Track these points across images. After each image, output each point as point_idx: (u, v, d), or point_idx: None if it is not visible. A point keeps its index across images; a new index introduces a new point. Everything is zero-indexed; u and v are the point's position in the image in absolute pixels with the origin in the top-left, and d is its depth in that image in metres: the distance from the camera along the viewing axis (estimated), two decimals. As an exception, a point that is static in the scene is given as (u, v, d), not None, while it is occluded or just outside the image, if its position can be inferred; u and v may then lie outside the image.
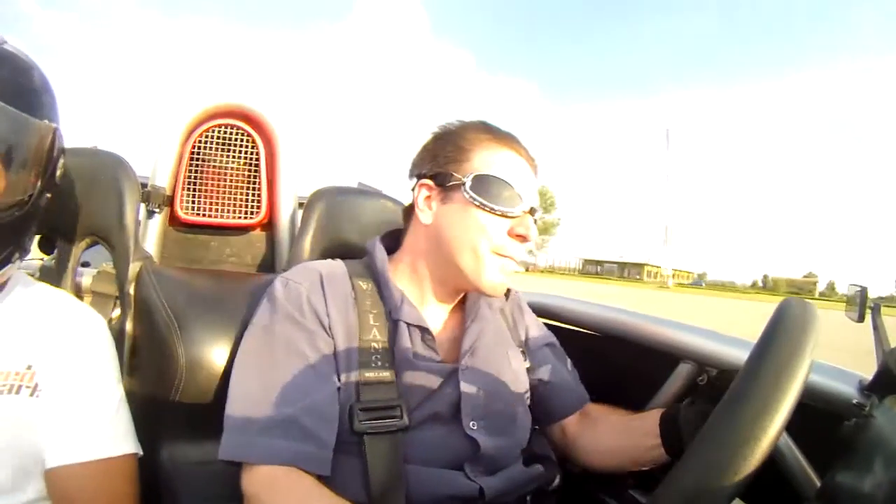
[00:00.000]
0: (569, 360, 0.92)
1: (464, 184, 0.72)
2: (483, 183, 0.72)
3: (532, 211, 0.75)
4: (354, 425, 0.65)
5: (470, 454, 0.70)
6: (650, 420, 0.78)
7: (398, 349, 0.71)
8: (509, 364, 0.79)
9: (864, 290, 1.06)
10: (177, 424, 0.76)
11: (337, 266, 0.78)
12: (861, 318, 1.03)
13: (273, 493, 0.61)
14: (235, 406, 0.67)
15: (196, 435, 0.82)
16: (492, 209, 0.71)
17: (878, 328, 0.92)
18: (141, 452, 0.71)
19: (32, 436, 0.63)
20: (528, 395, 0.81)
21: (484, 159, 0.74)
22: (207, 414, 0.81)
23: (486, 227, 0.72)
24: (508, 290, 0.92)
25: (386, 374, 0.69)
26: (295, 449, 0.62)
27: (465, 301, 0.81)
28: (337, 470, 0.65)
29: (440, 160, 0.76)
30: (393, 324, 0.72)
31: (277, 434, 0.63)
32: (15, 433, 0.62)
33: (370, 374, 0.68)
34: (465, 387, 0.71)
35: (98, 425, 0.67)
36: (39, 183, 0.61)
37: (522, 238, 0.73)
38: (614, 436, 0.82)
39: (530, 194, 0.75)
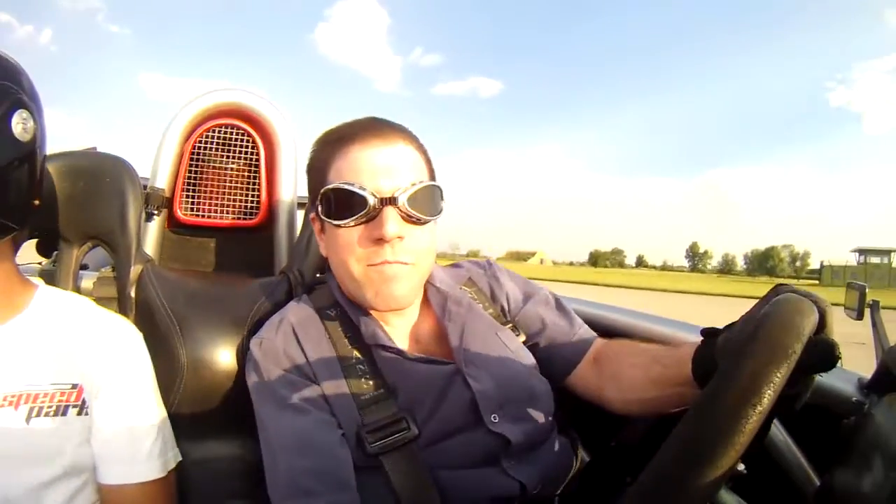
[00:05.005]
0: (560, 305, 0.86)
1: (319, 209, 0.70)
2: (328, 200, 0.68)
3: (389, 200, 0.66)
4: (367, 449, 0.65)
5: (501, 448, 0.69)
6: (681, 367, 0.65)
7: (383, 366, 0.70)
8: (505, 345, 0.77)
9: (863, 288, 1.06)
10: (178, 424, 0.77)
11: (304, 307, 0.77)
12: (860, 316, 1.03)
13: None
14: (270, 479, 0.66)
15: (197, 434, 0.82)
16: (344, 224, 0.67)
17: (876, 326, 0.92)
18: (180, 458, 0.74)
19: (82, 452, 0.65)
20: (537, 366, 0.78)
21: (337, 170, 0.69)
22: (208, 413, 0.82)
23: (348, 243, 0.68)
24: (489, 262, 0.90)
25: (380, 392, 0.68)
26: (329, 500, 0.62)
27: (428, 299, 0.79)
28: (366, 495, 0.64)
29: (310, 191, 0.75)
30: (366, 343, 0.72)
31: (312, 489, 0.62)
32: (64, 451, 0.63)
33: (365, 397, 0.67)
34: (475, 384, 0.70)
35: (148, 444, 0.69)
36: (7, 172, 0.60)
37: (379, 240, 0.67)
38: (641, 389, 0.72)
39: (382, 182, 0.67)
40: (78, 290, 0.91)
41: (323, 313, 0.75)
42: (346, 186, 0.67)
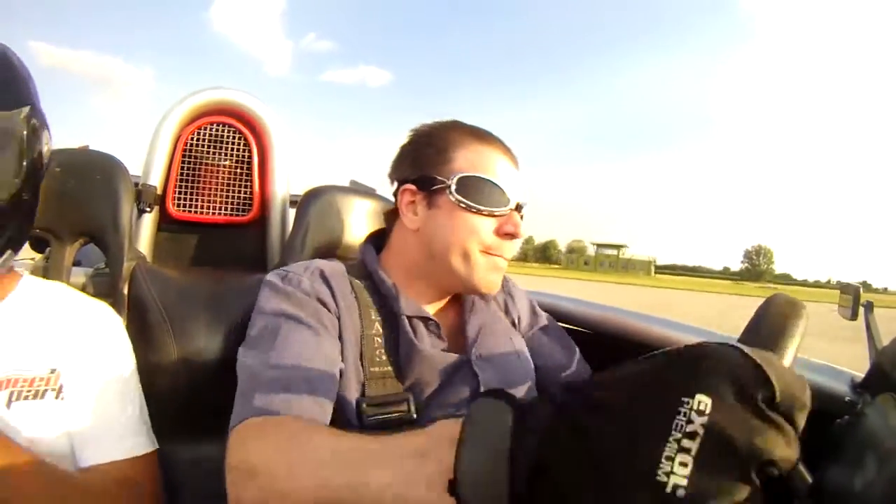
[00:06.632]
0: (564, 340, 0.89)
1: (449, 186, 0.71)
2: (468, 184, 0.71)
3: (518, 207, 0.75)
4: (363, 420, 0.64)
5: None
6: None
7: (402, 342, 0.70)
8: (514, 347, 0.79)
9: (857, 289, 1.06)
10: (169, 423, 0.76)
11: (336, 264, 0.77)
12: (854, 316, 1.04)
13: (259, 435, 0.55)
14: (241, 384, 0.63)
15: (189, 433, 0.81)
16: (479, 210, 0.71)
17: (869, 326, 0.93)
18: (157, 447, 0.72)
19: (60, 437, 0.64)
20: (535, 376, 0.80)
21: (466, 159, 0.73)
22: (200, 412, 0.81)
23: (475, 229, 0.72)
24: (505, 278, 0.92)
25: (389, 368, 0.68)
26: (290, 399, 0.59)
27: (457, 293, 0.81)
28: None
29: (421, 164, 0.75)
30: (394, 318, 0.72)
31: (276, 389, 0.60)
32: (43, 436, 0.62)
33: (375, 369, 0.68)
34: (483, 376, 0.71)
35: (123, 425, 0.68)
36: (24, 171, 0.61)
37: (511, 236, 0.73)
38: None
39: (516, 190, 0.74)
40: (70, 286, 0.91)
41: (351, 277, 0.75)
42: (494, 181, 0.72)
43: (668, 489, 0.26)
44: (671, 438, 0.27)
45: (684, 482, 0.26)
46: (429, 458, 0.39)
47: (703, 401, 0.27)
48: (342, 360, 0.67)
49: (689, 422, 0.27)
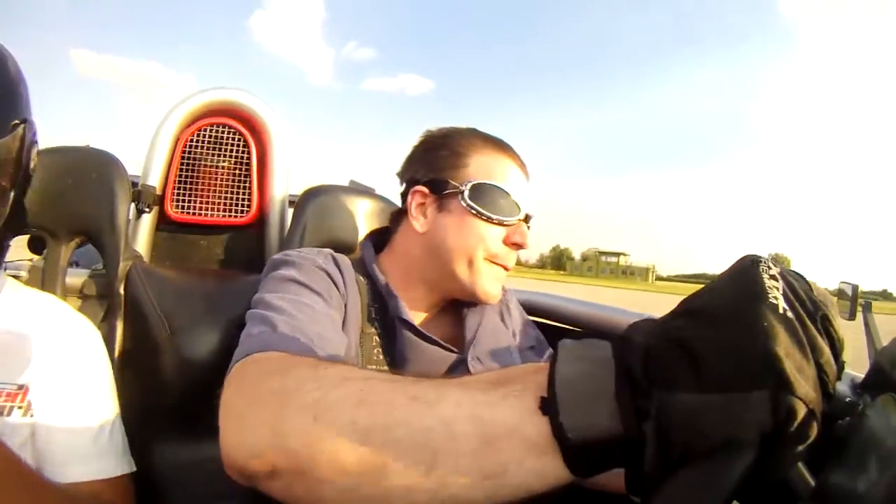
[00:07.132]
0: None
1: (462, 192, 0.71)
2: (481, 191, 0.71)
3: (527, 218, 0.75)
4: None
5: None
6: None
7: (399, 342, 0.70)
8: (510, 351, 0.79)
9: (855, 288, 1.06)
10: (169, 425, 0.76)
11: (344, 257, 0.76)
12: (852, 316, 1.04)
13: (278, 363, 0.46)
14: (247, 329, 0.58)
15: (189, 435, 0.81)
16: (489, 218, 0.71)
17: (868, 326, 0.93)
18: (134, 468, 0.69)
19: (25, 455, 0.60)
20: None
21: (481, 166, 0.73)
22: (200, 413, 0.80)
23: (483, 236, 0.71)
24: (503, 288, 0.92)
25: (386, 368, 0.68)
26: (307, 344, 0.53)
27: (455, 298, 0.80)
28: None
29: (434, 166, 0.74)
30: (391, 318, 0.71)
31: (292, 331, 0.55)
32: None
33: (371, 367, 0.67)
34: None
35: (95, 445, 0.65)
36: (14, 190, 0.58)
37: (519, 246, 0.74)
38: None
39: (526, 201, 0.74)
40: (67, 286, 0.90)
41: (356, 273, 0.74)
42: (508, 189, 0.72)
43: (780, 310, 0.28)
44: (763, 275, 0.29)
45: (786, 306, 0.28)
46: (513, 382, 0.33)
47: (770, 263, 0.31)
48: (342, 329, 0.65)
49: (769, 268, 0.30)
